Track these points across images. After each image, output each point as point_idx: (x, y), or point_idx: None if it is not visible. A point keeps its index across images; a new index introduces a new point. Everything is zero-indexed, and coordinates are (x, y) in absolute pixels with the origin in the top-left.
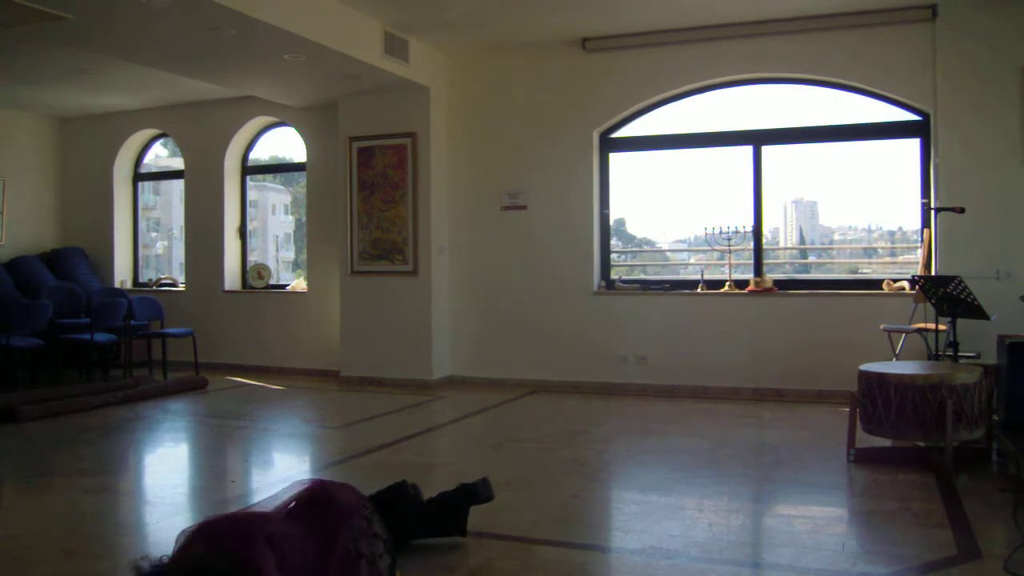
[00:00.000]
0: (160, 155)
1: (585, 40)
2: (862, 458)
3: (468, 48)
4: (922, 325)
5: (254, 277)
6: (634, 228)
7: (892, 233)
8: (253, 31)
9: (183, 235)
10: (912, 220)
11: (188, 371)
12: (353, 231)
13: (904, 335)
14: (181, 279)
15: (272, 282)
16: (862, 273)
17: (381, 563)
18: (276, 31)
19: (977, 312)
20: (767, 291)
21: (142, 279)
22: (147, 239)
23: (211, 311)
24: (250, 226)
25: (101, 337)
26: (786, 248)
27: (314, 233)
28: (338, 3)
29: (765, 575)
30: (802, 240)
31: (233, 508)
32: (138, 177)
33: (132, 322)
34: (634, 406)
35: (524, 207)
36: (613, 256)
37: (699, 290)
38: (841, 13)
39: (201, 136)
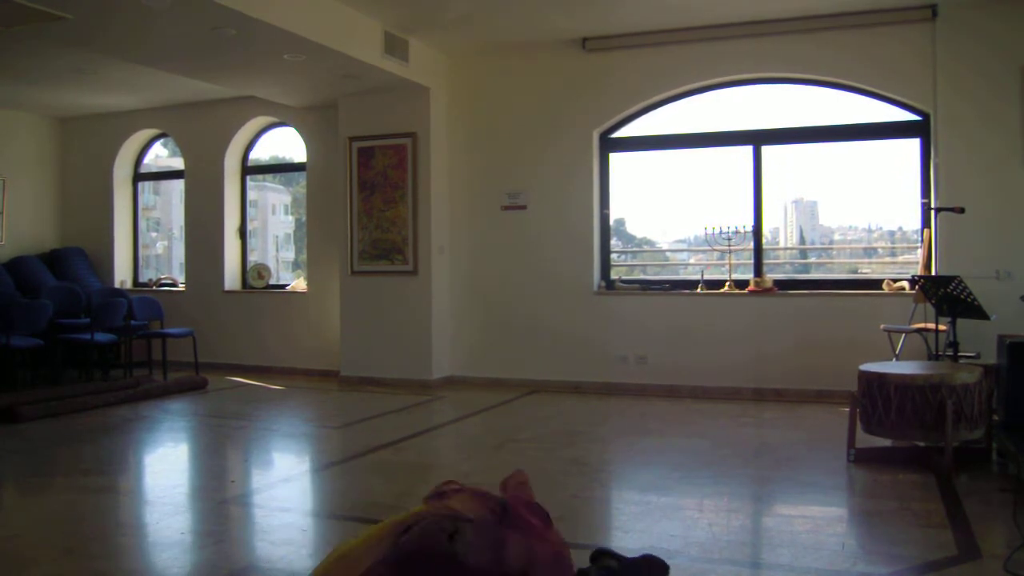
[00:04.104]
0: (160, 155)
1: (585, 40)
2: (862, 458)
3: (468, 48)
4: (922, 325)
5: (254, 277)
6: (634, 228)
7: (892, 233)
8: (253, 31)
9: (183, 235)
10: (912, 220)
11: (188, 371)
12: (353, 231)
13: (904, 335)
14: (181, 279)
15: (272, 282)
16: (862, 273)
17: None
18: (276, 31)
19: (977, 312)
20: (767, 291)
21: (142, 279)
22: (147, 239)
23: (211, 311)
24: (250, 226)
25: (101, 337)
26: (786, 248)
27: (314, 233)
28: (338, 3)
29: (765, 575)
30: (802, 240)
31: (233, 508)
32: (138, 177)
33: (132, 322)
34: (634, 406)
35: (524, 207)
36: (613, 256)
37: (699, 290)
38: (841, 13)
39: (201, 136)
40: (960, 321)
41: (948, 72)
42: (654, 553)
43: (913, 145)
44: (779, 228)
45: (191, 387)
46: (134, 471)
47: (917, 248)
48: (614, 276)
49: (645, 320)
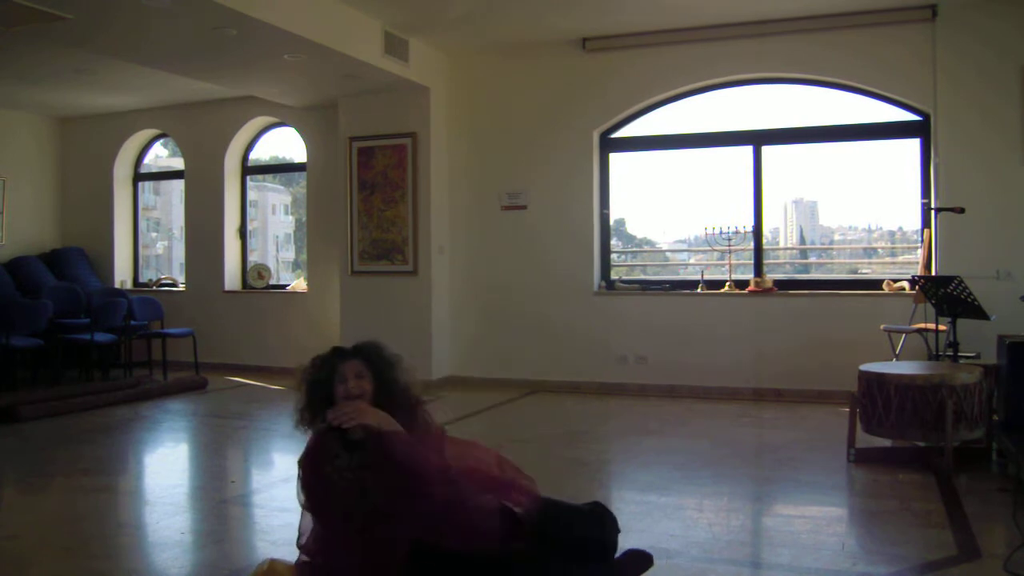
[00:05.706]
0: (160, 155)
1: (585, 40)
2: (862, 458)
3: (468, 48)
4: (922, 325)
5: (254, 277)
6: (634, 228)
7: (892, 233)
8: (253, 31)
9: (183, 235)
10: (912, 220)
11: (188, 371)
12: (353, 231)
13: (904, 335)
14: (181, 279)
15: (272, 282)
16: (862, 273)
17: None
18: (276, 31)
19: (977, 312)
20: (767, 291)
21: (142, 279)
22: (147, 239)
23: (211, 311)
24: (250, 226)
25: (101, 337)
26: (786, 248)
27: (314, 233)
28: (338, 3)
29: (765, 575)
30: (802, 240)
31: (233, 508)
32: (138, 177)
33: (132, 322)
34: (634, 406)
35: (524, 207)
36: (613, 256)
37: (699, 290)
38: (841, 13)
39: (201, 136)
40: (960, 321)
41: (948, 72)
42: (654, 553)
43: (913, 145)
44: (779, 228)
45: (191, 387)
46: (134, 471)
47: (917, 248)
48: (614, 276)
49: (645, 320)
